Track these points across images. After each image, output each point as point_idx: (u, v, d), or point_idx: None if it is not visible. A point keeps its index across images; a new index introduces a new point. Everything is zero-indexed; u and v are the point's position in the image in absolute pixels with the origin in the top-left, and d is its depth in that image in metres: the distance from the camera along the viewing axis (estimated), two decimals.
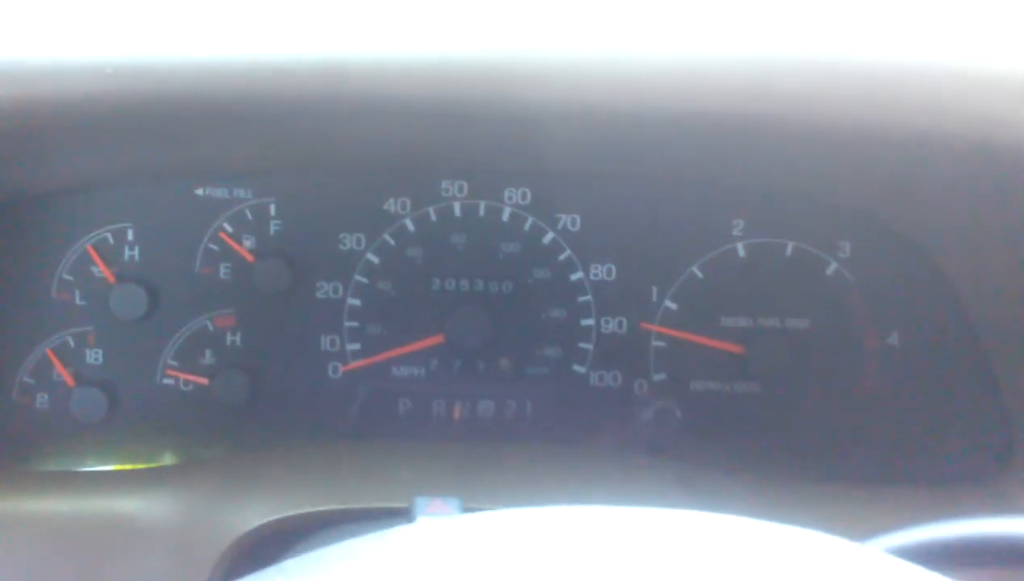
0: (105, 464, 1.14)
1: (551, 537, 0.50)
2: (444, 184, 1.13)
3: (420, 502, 0.76)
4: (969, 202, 0.99)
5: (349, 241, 1.14)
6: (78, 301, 1.14)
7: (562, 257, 1.13)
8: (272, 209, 1.13)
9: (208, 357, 1.15)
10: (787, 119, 0.91)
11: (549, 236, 1.13)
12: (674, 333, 1.13)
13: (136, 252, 1.13)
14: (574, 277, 1.13)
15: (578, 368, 1.15)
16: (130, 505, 0.99)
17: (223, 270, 1.14)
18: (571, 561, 0.47)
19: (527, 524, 0.52)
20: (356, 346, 1.15)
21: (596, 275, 1.13)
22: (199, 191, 1.13)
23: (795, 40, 0.89)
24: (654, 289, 1.13)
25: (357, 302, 1.14)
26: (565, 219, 1.13)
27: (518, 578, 0.45)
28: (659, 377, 1.14)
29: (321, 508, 0.95)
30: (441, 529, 0.52)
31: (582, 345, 1.14)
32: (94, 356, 1.14)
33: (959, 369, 1.10)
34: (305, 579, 0.47)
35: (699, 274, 1.13)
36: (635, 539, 0.50)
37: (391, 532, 0.51)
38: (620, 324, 1.14)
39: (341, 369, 1.15)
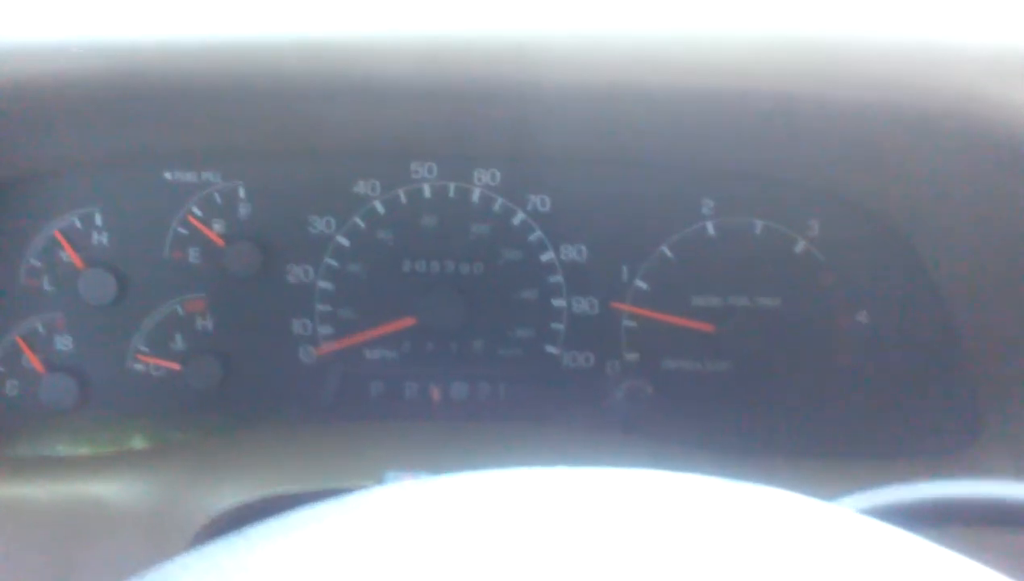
0: (77, 450, 1.13)
1: (521, 496, 0.50)
2: (414, 166, 1.13)
3: (391, 477, 0.76)
4: (938, 178, 1.00)
5: (319, 224, 1.13)
6: (46, 287, 1.13)
7: (532, 238, 1.13)
8: (241, 192, 1.13)
9: (179, 342, 1.14)
10: (757, 96, 0.92)
11: (519, 217, 1.13)
12: (645, 313, 1.13)
13: (104, 237, 1.13)
14: (545, 258, 1.13)
15: (550, 349, 1.15)
16: (102, 488, 0.99)
17: (193, 254, 1.13)
18: (541, 518, 0.47)
19: (496, 485, 0.52)
20: (328, 329, 1.15)
21: (567, 255, 1.13)
22: (167, 175, 1.12)
23: (767, 17, 0.89)
24: (625, 269, 1.14)
25: (328, 285, 1.14)
26: (535, 200, 1.13)
27: (488, 534, 0.45)
28: (631, 356, 1.15)
29: (293, 489, 0.95)
30: (407, 490, 0.52)
31: (554, 325, 1.15)
32: (64, 342, 1.14)
33: (928, 345, 1.11)
34: (275, 540, 0.47)
35: (669, 254, 1.13)
36: (605, 498, 0.50)
37: (356, 494, 0.51)
38: (591, 304, 1.14)
39: (313, 352, 1.15)
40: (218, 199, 1.12)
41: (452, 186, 1.13)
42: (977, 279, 1.05)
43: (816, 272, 1.12)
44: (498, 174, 1.12)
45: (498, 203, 1.13)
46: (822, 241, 1.12)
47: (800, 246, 1.12)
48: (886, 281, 1.11)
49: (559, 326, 1.14)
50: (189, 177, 1.12)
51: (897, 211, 1.08)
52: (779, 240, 1.12)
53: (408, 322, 1.13)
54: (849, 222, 1.11)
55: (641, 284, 1.13)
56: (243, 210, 1.13)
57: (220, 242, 1.12)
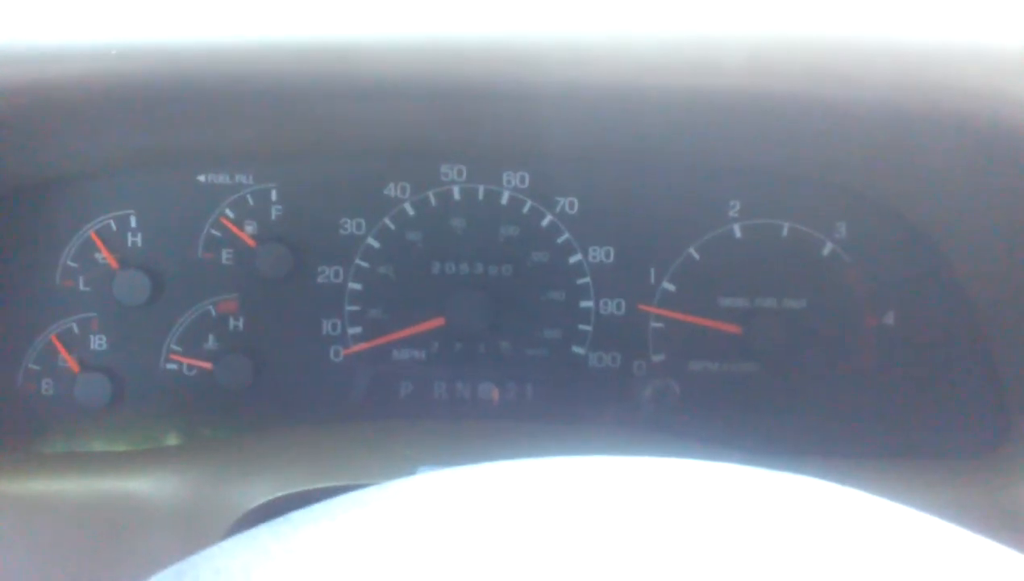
0: (111, 447, 1.15)
1: (554, 485, 0.51)
2: (443, 168, 1.14)
3: (423, 472, 0.76)
4: (964, 180, 1.00)
5: (350, 226, 1.15)
6: (82, 287, 1.15)
7: (561, 240, 1.14)
8: (273, 194, 1.14)
9: (211, 342, 1.16)
10: (783, 98, 0.92)
11: (548, 219, 1.14)
12: (672, 314, 1.14)
13: (139, 238, 1.14)
14: (573, 259, 1.14)
15: (577, 350, 1.16)
16: (136, 485, 1.00)
17: (225, 255, 1.15)
18: (575, 506, 0.48)
19: (530, 473, 0.52)
20: (357, 330, 1.16)
21: (594, 257, 1.14)
22: (201, 177, 1.14)
23: (790, 17, 0.90)
24: (652, 271, 1.14)
25: (358, 286, 1.15)
26: (563, 202, 1.14)
27: (521, 522, 0.46)
28: (658, 358, 1.15)
29: (324, 485, 0.95)
30: (442, 479, 0.52)
31: (581, 327, 1.15)
32: (98, 342, 1.15)
33: (955, 347, 1.11)
34: (311, 527, 0.48)
35: (696, 256, 1.14)
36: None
37: (393, 483, 0.52)
38: (619, 306, 1.15)
39: (342, 352, 1.16)
40: (250, 201, 1.14)
41: (481, 188, 1.14)
42: (1004, 281, 1.05)
43: (843, 274, 1.12)
44: (527, 176, 1.14)
45: (527, 205, 1.14)
46: (849, 243, 1.12)
47: (827, 248, 1.12)
48: (913, 283, 1.11)
49: (586, 327, 1.15)
50: (222, 179, 1.14)
51: (924, 213, 1.09)
52: (806, 242, 1.12)
53: (437, 323, 1.14)
54: (876, 224, 1.11)
55: (668, 286, 1.14)
56: (275, 212, 1.14)
57: (252, 243, 1.14)
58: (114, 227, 1.14)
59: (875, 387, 1.13)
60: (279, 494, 0.96)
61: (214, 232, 1.14)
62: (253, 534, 0.48)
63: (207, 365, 1.15)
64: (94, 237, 1.14)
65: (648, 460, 0.54)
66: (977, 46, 0.88)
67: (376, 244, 1.15)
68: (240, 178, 1.14)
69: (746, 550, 0.44)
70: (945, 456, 1.08)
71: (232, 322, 1.16)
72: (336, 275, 1.15)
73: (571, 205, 1.14)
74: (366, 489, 0.52)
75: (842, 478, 1.04)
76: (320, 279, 1.15)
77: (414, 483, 0.52)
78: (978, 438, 1.08)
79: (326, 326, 1.16)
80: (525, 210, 1.14)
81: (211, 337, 1.16)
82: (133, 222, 1.14)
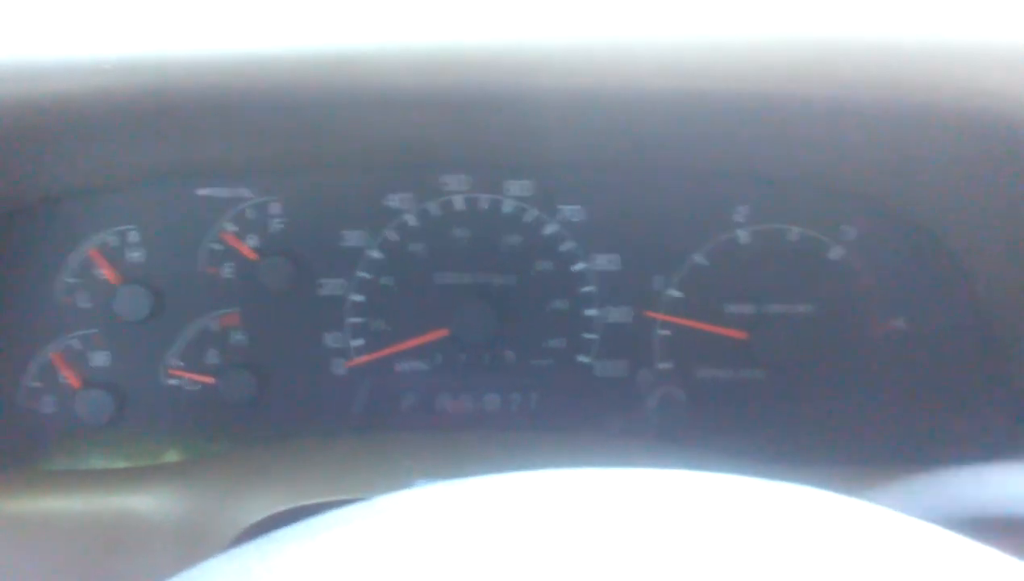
0: (112, 463, 1.14)
1: (551, 498, 0.50)
2: (445, 178, 1.13)
3: (420, 485, 0.75)
4: (972, 181, 0.99)
5: (351, 237, 1.14)
6: (83, 304, 1.14)
7: (564, 248, 1.13)
8: (274, 207, 1.13)
9: (213, 356, 1.15)
10: (787, 101, 0.91)
11: (551, 227, 1.13)
12: (678, 321, 1.13)
13: (139, 253, 1.14)
14: (577, 268, 1.13)
15: (583, 358, 1.15)
16: (137, 501, 0.99)
17: (226, 269, 1.14)
18: (570, 520, 0.47)
19: (528, 486, 0.51)
20: (360, 342, 1.15)
21: (599, 265, 1.13)
22: (201, 191, 1.13)
23: (793, 19, 0.89)
24: (657, 277, 1.13)
25: (361, 298, 1.14)
26: (567, 210, 1.13)
27: (518, 535, 0.45)
28: (664, 365, 1.14)
29: (326, 499, 0.94)
30: (435, 493, 0.51)
31: (587, 335, 1.14)
32: (99, 358, 1.15)
33: (966, 351, 1.10)
34: (306, 541, 0.47)
35: (702, 262, 1.12)
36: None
37: (378, 499, 0.52)
38: (624, 313, 1.14)
39: (345, 365, 1.15)
40: (251, 214, 1.13)
41: (484, 198, 1.13)
42: (1015, 283, 1.04)
43: (851, 278, 1.11)
44: (529, 185, 1.13)
45: (530, 214, 1.13)
46: (857, 247, 1.11)
47: (835, 252, 1.11)
48: (923, 286, 1.10)
49: (592, 336, 1.14)
50: (222, 193, 1.13)
51: (932, 215, 1.07)
52: (813, 246, 1.11)
53: (441, 334, 1.13)
54: (884, 227, 1.10)
55: (674, 292, 1.13)
56: (276, 225, 1.14)
57: (253, 257, 1.13)
58: (114, 243, 1.13)
59: (885, 393, 1.12)
60: (281, 508, 0.96)
61: (215, 246, 1.14)
62: (247, 549, 0.47)
63: (209, 380, 1.14)
64: (94, 253, 1.13)
65: (651, 472, 0.52)
66: (982, 44, 0.87)
67: (378, 255, 1.14)
68: (240, 191, 1.13)
69: (752, 563, 0.43)
70: (957, 463, 1.07)
71: (234, 336, 1.15)
72: (338, 287, 1.14)
73: (575, 213, 1.13)
74: (359, 503, 0.51)
75: (852, 485, 1.03)
76: (322, 291, 1.15)
77: (405, 497, 0.51)
78: (991, 443, 1.07)
79: (329, 339, 1.15)
80: (528, 219, 1.13)
81: (213, 351, 1.15)
82: (133, 237, 1.14)
